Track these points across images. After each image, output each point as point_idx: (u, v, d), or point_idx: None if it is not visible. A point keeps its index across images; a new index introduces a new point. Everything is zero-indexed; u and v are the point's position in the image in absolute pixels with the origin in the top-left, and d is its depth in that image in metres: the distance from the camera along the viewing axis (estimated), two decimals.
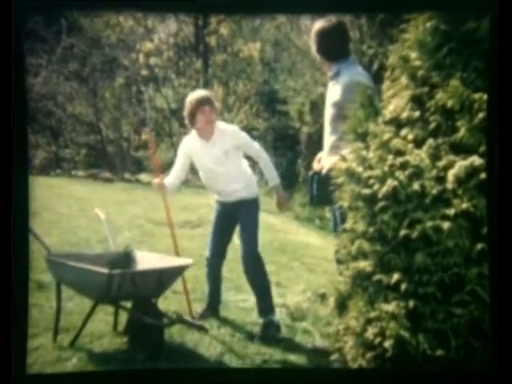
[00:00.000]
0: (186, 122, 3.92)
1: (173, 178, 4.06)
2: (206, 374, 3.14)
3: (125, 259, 3.75)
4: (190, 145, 3.99)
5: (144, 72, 13.87)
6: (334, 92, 3.46)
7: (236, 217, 3.98)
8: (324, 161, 3.52)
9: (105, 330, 3.78)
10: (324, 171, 3.46)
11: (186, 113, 3.90)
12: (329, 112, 3.48)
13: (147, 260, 3.81)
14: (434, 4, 2.70)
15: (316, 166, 3.59)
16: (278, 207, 3.97)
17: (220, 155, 3.89)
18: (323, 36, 3.50)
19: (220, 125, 3.93)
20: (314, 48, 3.58)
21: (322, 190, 3.43)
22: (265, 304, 3.90)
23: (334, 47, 3.50)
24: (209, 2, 2.97)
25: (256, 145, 3.99)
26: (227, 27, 12.81)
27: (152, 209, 7.88)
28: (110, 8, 3.38)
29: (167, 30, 13.88)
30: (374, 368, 2.69)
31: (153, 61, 14.05)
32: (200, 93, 3.94)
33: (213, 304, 4.15)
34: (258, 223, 3.96)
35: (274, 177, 3.96)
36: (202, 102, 3.84)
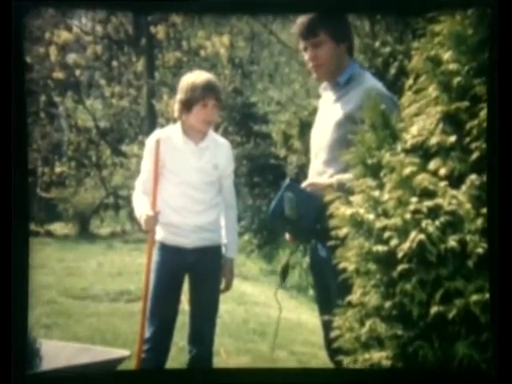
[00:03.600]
0: (176, 107, 3.94)
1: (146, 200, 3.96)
2: (207, 373, 3.75)
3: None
4: (168, 140, 3.95)
5: (58, 74, 13.85)
6: (343, 105, 3.50)
7: (186, 272, 4.01)
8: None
9: None
10: (305, 184, 3.52)
11: (179, 97, 3.93)
12: (330, 134, 3.51)
13: (60, 354, 3.76)
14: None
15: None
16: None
17: (208, 168, 3.95)
18: (316, 21, 3.54)
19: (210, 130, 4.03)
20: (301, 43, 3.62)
21: (293, 206, 3.44)
22: None
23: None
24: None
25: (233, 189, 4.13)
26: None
27: (70, 276, 7.80)
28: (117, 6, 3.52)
29: (93, 13, 13.92)
30: (374, 368, 2.74)
31: (71, 58, 14.05)
32: (206, 76, 3.96)
33: None
34: (219, 297, 4.02)
35: (234, 246, 4.09)
36: (207, 91, 3.87)
